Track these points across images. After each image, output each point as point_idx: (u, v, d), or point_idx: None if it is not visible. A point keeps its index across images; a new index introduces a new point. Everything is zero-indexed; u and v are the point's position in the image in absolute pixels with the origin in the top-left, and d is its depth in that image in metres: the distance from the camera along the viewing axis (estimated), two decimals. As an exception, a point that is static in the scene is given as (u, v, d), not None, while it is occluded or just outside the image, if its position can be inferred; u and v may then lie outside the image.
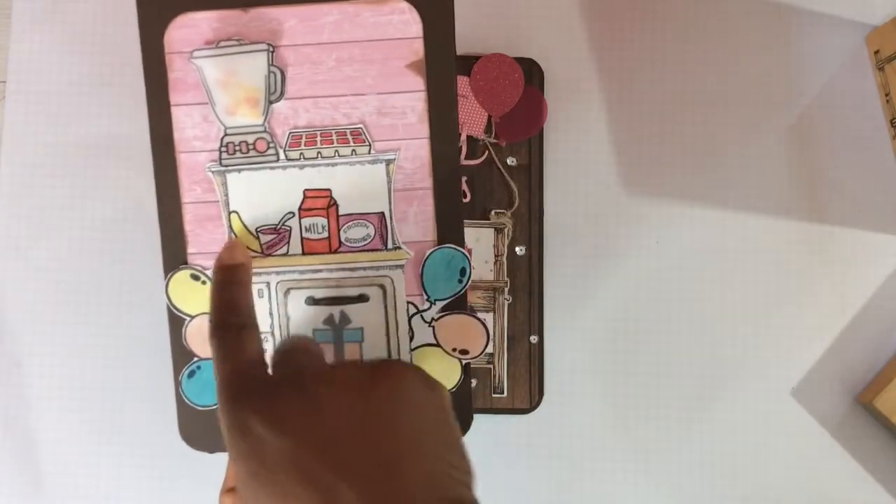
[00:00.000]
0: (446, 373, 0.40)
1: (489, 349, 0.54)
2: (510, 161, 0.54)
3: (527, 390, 0.54)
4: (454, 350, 0.40)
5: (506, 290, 0.54)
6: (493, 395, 0.54)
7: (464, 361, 0.40)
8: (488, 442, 0.55)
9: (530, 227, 0.54)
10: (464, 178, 0.54)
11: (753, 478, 0.55)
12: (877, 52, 0.55)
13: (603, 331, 0.55)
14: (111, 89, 0.57)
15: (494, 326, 0.54)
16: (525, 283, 0.54)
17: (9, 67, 0.57)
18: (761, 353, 0.55)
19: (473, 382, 0.53)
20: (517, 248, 0.54)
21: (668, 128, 0.56)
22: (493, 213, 0.54)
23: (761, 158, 0.56)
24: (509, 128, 0.54)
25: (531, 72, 0.55)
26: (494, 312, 0.54)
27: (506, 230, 0.54)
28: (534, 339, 0.54)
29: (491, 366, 0.54)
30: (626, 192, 0.56)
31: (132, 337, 0.55)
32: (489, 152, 0.54)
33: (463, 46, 0.55)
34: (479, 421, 0.54)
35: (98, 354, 0.56)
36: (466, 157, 0.54)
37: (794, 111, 0.56)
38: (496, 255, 0.54)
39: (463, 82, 0.54)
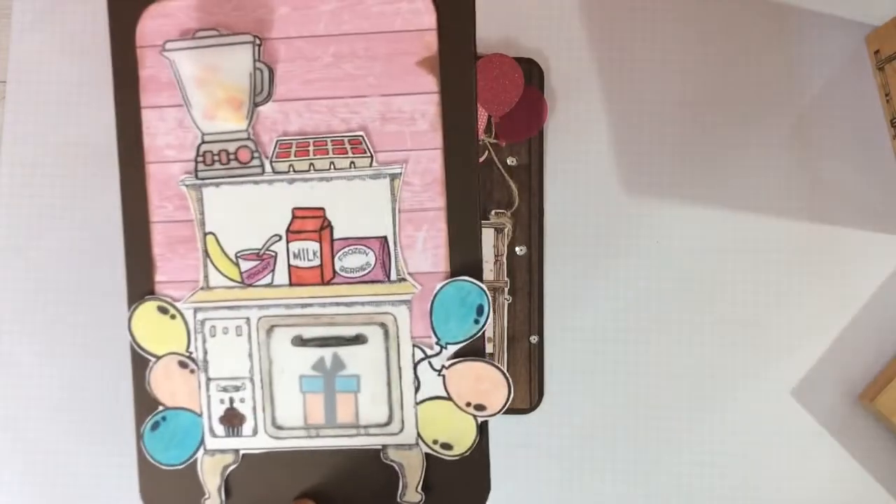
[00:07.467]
0: (458, 432, 0.34)
1: (489, 349, 0.54)
2: (510, 161, 0.54)
3: (527, 390, 0.54)
4: (468, 405, 0.34)
5: (506, 290, 0.54)
6: (493, 395, 0.54)
7: (480, 419, 0.34)
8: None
9: (530, 227, 0.54)
10: (464, 178, 0.54)
11: (753, 478, 0.55)
12: (877, 52, 0.55)
13: (603, 331, 0.55)
14: (111, 89, 0.57)
15: (494, 326, 0.54)
16: (525, 283, 0.54)
17: (9, 67, 0.57)
18: (761, 353, 0.55)
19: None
20: (517, 248, 0.54)
21: (668, 128, 0.56)
22: (493, 213, 0.54)
23: (761, 158, 0.56)
24: (509, 128, 0.54)
25: (531, 72, 0.55)
26: (494, 312, 0.54)
27: (506, 230, 0.54)
28: (534, 339, 0.54)
29: (491, 366, 0.54)
30: (626, 192, 0.56)
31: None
32: (489, 152, 0.54)
33: (463, 46, 0.55)
34: (479, 421, 0.55)
35: (97, 354, 0.56)
36: (466, 157, 0.54)
37: (794, 111, 0.56)
38: (496, 255, 0.54)
39: (463, 82, 0.54)
